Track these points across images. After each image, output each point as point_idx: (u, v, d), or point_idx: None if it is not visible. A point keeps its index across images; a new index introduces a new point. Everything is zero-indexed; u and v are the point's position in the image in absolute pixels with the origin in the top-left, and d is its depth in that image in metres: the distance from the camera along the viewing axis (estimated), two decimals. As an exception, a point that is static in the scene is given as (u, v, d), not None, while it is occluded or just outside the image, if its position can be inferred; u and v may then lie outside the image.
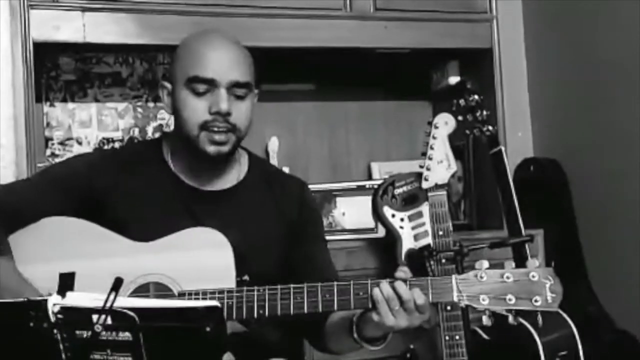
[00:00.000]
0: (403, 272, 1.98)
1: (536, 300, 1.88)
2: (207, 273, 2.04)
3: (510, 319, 1.93)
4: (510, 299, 1.89)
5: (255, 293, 1.99)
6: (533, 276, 1.89)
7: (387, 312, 1.93)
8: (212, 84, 2.12)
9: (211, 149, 2.15)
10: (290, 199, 2.34)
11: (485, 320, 1.94)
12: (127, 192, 2.21)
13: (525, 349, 2.82)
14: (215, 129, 2.13)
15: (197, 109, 2.13)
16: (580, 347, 2.91)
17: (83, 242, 2.13)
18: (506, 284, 1.90)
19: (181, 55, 2.20)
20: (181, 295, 2.03)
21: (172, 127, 2.27)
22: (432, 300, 1.95)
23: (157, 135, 3.72)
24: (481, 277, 1.91)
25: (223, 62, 2.14)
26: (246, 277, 2.06)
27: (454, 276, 1.93)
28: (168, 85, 2.24)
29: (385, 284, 1.94)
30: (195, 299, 2.01)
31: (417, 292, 1.93)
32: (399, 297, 1.92)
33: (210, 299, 1.99)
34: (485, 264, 1.93)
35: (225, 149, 2.17)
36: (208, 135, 2.13)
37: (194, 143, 2.15)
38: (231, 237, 2.08)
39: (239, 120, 2.16)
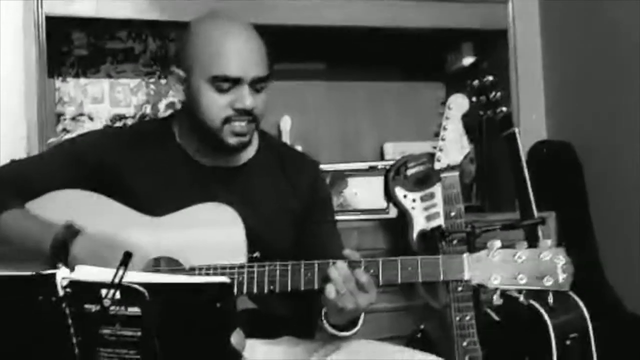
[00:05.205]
0: (351, 251, 1.98)
1: (547, 281, 1.87)
2: (219, 249, 2.04)
3: (521, 298, 1.92)
4: (521, 279, 1.88)
5: (267, 268, 1.99)
6: (544, 256, 1.88)
7: (332, 291, 1.92)
8: (237, 82, 2.12)
9: (233, 140, 2.16)
10: (304, 178, 2.33)
11: (496, 299, 1.93)
12: (139, 168, 2.21)
13: (536, 331, 2.81)
14: (237, 123, 2.14)
15: (220, 105, 2.13)
16: (590, 329, 2.90)
17: (96, 215, 2.14)
18: (517, 264, 1.89)
19: (199, 47, 2.16)
20: (192, 270, 2.03)
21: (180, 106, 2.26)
22: (443, 279, 1.95)
23: (169, 112, 3.72)
24: (492, 257, 1.91)
25: (247, 59, 2.13)
26: (257, 254, 2.06)
27: (465, 255, 1.93)
28: (181, 73, 2.20)
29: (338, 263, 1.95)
30: (206, 274, 2.01)
31: (359, 271, 1.93)
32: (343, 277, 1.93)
33: (221, 274, 1.99)
34: (498, 243, 1.92)
35: (246, 139, 2.19)
36: (230, 128, 2.14)
37: (215, 136, 2.16)
38: (243, 213, 2.08)
39: (259, 111, 2.18)
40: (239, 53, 2.12)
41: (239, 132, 2.15)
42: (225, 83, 2.11)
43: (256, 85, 2.15)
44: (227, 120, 2.13)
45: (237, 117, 2.14)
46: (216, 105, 2.13)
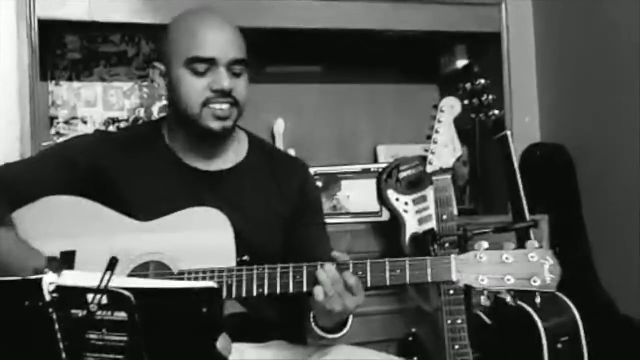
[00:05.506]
0: (339, 253, 1.99)
1: (535, 281, 1.88)
2: (208, 253, 2.04)
3: (509, 299, 1.92)
4: (508, 280, 1.89)
5: (255, 272, 1.99)
6: (532, 257, 1.90)
7: (320, 293, 1.92)
8: (212, 63, 2.15)
9: (215, 124, 2.17)
10: (294, 181, 2.34)
11: (484, 300, 1.94)
12: (130, 173, 2.21)
13: (527, 334, 2.81)
14: (218, 105, 2.16)
15: (198, 89, 2.15)
16: (582, 332, 2.90)
17: (85, 220, 2.14)
18: (505, 265, 1.90)
19: (176, 36, 2.20)
20: (181, 274, 2.03)
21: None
22: (431, 280, 1.95)
23: (162, 115, 3.72)
24: (480, 258, 1.92)
25: (222, 41, 2.16)
26: (246, 258, 2.06)
27: (453, 256, 1.94)
28: (161, 66, 2.25)
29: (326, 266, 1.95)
30: (194, 278, 2.01)
31: (347, 274, 1.93)
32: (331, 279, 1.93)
33: (210, 278, 1.99)
34: (485, 244, 1.94)
35: (229, 123, 2.19)
36: (211, 111, 2.16)
37: (197, 122, 2.17)
38: (232, 217, 2.08)
39: (240, 95, 2.19)
40: (212, 36, 2.16)
41: (220, 115, 2.16)
42: (200, 65, 2.14)
43: (233, 68, 2.17)
44: (206, 103, 2.15)
45: (215, 99, 2.15)
46: (194, 89, 2.15)
